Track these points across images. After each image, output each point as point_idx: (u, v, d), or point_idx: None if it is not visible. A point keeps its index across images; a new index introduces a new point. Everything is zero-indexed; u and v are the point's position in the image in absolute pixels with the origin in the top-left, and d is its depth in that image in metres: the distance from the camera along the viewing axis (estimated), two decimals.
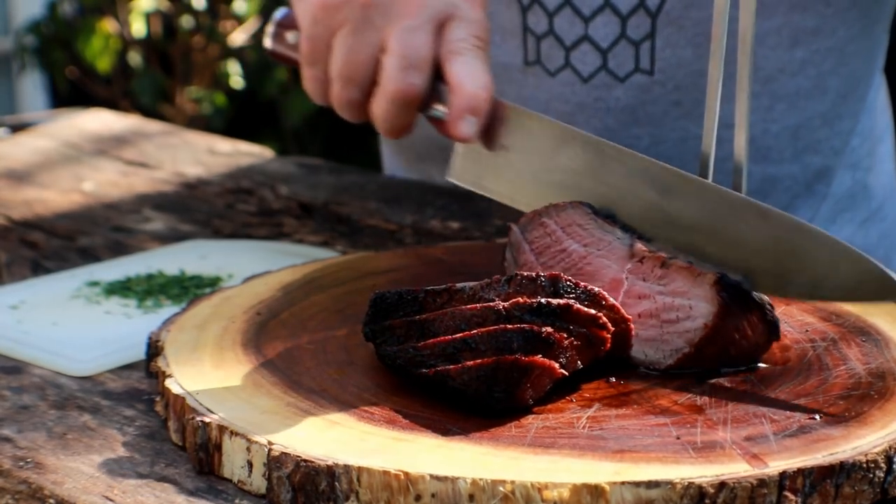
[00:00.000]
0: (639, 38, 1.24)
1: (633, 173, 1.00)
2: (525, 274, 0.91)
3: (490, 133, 1.04)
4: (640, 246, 0.96)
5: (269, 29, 1.15)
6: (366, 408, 0.88)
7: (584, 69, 1.26)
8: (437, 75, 1.04)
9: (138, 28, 3.84)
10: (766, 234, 0.95)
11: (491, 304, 0.89)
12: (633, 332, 0.93)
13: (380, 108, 1.03)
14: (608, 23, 1.24)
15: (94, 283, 1.18)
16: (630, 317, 0.93)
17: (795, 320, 1.01)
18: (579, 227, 0.99)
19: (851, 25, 1.29)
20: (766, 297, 0.94)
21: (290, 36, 1.13)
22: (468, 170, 1.06)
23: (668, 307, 0.94)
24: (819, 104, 1.30)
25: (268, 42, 1.15)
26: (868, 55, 1.34)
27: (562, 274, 0.92)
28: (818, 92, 1.29)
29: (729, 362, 0.93)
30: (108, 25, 3.81)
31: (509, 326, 0.86)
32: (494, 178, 1.05)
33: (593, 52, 1.26)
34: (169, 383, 0.92)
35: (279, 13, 1.15)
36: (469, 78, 1.01)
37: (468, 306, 0.90)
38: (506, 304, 0.88)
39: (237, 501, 0.83)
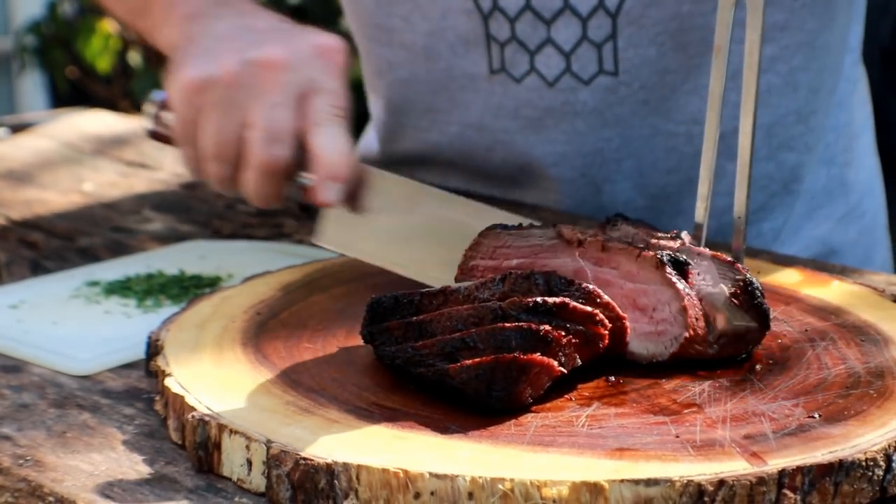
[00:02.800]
0: (600, 40, 1.25)
1: (482, 219, 1.06)
2: (519, 272, 0.91)
3: (354, 197, 1.09)
4: (566, 230, 0.98)
5: (150, 110, 1.16)
6: (365, 406, 0.88)
7: (549, 73, 1.28)
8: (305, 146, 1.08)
9: None
10: None
11: (487, 303, 0.89)
12: (628, 329, 0.93)
13: (248, 180, 1.08)
14: (569, 25, 1.25)
15: (94, 283, 1.18)
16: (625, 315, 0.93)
17: (795, 320, 1.01)
18: (503, 247, 1.01)
19: (820, 17, 1.29)
20: (756, 282, 0.94)
21: (166, 116, 1.15)
22: (335, 234, 1.10)
23: (639, 293, 0.94)
24: (791, 101, 1.30)
25: (148, 123, 1.17)
26: (837, 47, 1.34)
27: (556, 272, 0.92)
28: (789, 89, 1.30)
29: (729, 346, 0.93)
30: (108, 25, 3.81)
31: (507, 325, 0.86)
32: (360, 240, 1.10)
33: (557, 55, 1.27)
34: (168, 382, 0.92)
35: (158, 94, 1.16)
36: (330, 147, 1.06)
37: (464, 306, 0.90)
38: (502, 303, 0.88)
39: (236, 499, 0.83)
